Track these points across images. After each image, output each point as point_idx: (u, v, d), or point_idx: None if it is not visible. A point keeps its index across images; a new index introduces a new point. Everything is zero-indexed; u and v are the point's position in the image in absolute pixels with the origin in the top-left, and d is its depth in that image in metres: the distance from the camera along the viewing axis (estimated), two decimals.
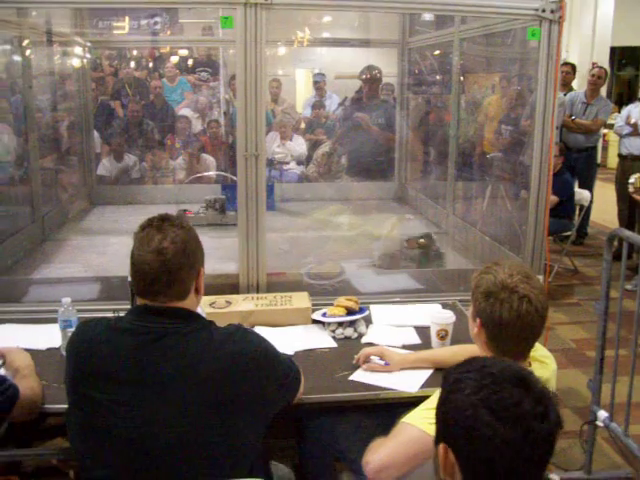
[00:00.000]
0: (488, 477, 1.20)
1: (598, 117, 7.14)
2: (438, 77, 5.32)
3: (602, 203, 7.71)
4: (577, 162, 7.16)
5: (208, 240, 2.34)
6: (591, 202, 6.88)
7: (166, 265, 1.78)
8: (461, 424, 1.20)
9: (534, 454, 1.18)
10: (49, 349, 2.60)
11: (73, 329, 2.36)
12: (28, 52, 4.26)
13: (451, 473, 1.24)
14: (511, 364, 1.29)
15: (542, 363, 2.07)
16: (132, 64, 7.13)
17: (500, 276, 1.91)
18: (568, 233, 6.27)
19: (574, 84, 8.13)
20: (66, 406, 1.84)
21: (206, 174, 5.83)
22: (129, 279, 2.43)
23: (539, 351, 2.09)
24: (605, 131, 7.77)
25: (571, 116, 7.13)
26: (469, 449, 1.20)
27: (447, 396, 1.26)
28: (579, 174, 7.25)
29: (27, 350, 2.43)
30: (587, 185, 7.09)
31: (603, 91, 7.57)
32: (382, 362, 2.48)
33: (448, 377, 1.31)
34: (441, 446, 1.25)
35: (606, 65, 11.13)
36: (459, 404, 1.21)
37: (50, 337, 2.64)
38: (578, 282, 6.38)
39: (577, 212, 6.55)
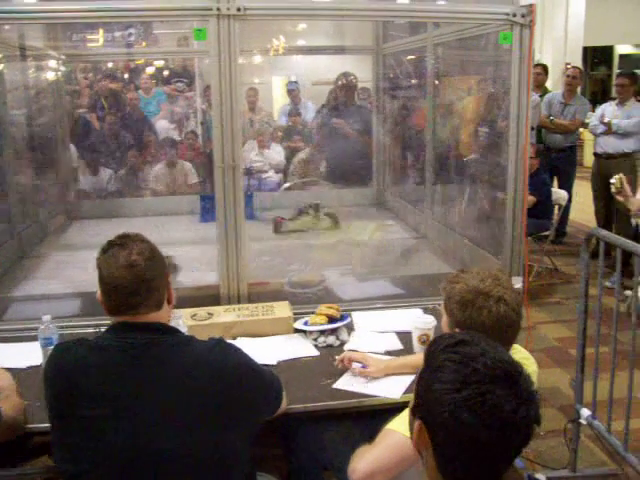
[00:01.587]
0: (461, 463, 1.20)
1: (576, 117, 7.21)
2: (413, 81, 5.34)
3: (580, 202, 7.78)
4: (557, 162, 7.24)
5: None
6: (570, 201, 6.94)
7: (140, 276, 1.81)
8: (440, 418, 1.18)
9: (510, 449, 1.19)
10: (30, 367, 2.58)
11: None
12: (1, 67, 4.23)
13: (425, 447, 1.25)
14: (498, 356, 1.23)
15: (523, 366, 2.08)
16: (107, 76, 7.10)
17: (472, 283, 1.92)
18: (547, 233, 6.31)
19: (548, 85, 8.21)
20: (49, 425, 1.83)
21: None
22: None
23: (519, 353, 2.10)
24: (581, 130, 7.84)
25: (549, 116, 7.20)
26: (445, 439, 1.19)
27: (429, 382, 1.23)
28: (559, 174, 7.33)
29: (8, 369, 2.41)
30: (567, 184, 7.16)
31: (577, 91, 7.65)
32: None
33: (431, 357, 1.27)
34: (417, 423, 1.24)
35: (579, 65, 11.26)
36: (440, 398, 1.18)
37: (31, 355, 2.61)
38: (559, 281, 6.43)
39: (555, 211, 6.60)
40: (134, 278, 1.80)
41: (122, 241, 1.87)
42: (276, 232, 4.73)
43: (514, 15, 3.04)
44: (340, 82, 5.78)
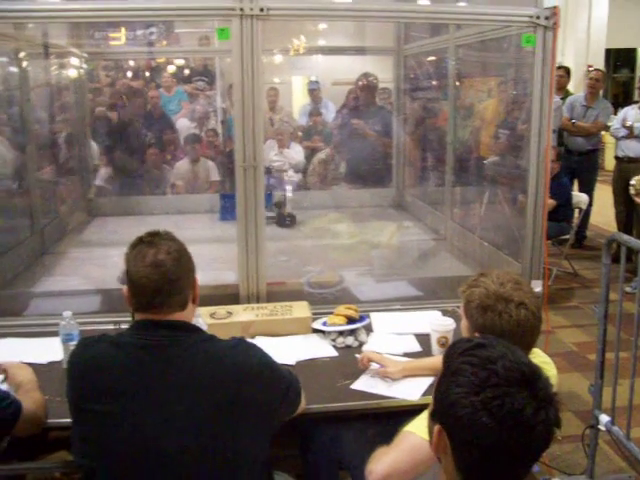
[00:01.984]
0: (480, 466, 1.19)
1: (598, 120, 7.15)
2: (434, 83, 5.33)
3: (600, 205, 7.72)
4: (578, 165, 7.18)
5: None
6: (590, 205, 6.89)
7: (165, 276, 1.82)
8: (460, 422, 1.18)
9: (530, 453, 1.19)
10: (51, 363, 2.60)
11: (75, 342, 2.38)
12: (25, 64, 4.28)
13: (444, 452, 1.24)
14: (517, 359, 1.22)
15: (542, 369, 2.07)
16: (129, 74, 7.15)
17: (492, 287, 1.91)
18: (567, 236, 6.27)
19: (570, 87, 8.16)
20: (69, 420, 1.85)
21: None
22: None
23: (538, 357, 2.09)
24: (603, 133, 7.78)
25: (571, 119, 7.15)
26: (465, 443, 1.19)
27: (447, 386, 1.23)
28: (580, 177, 7.27)
29: (29, 364, 2.44)
30: (587, 188, 7.10)
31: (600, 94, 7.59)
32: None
33: (450, 360, 1.27)
34: (436, 427, 1.24)
35: (601, 67, 11.16)
36: (459, 402, 1.18)
37: (51, 351, 2.64)
38: (578, 285, 6.38)
39: (576, 215, 6.56)
40: (159, 278, 1.81)
41: (151, 239, 1.88)
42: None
43: (538, 17, 3.02)
44: (361, 82, 5.78)
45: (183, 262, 1.89)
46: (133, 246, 1.88)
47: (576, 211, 6.51)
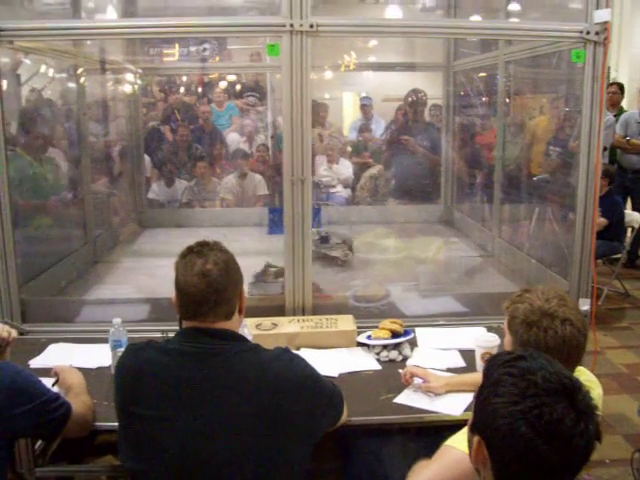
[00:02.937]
0: (519, 479, 1.19)
1: None
2: (484, 99, 5.31)
3: None
4: (632, 183, 7.05)
5: None
6: None
7: (212, 286, 1.85)
8: (498, 432, 1.18)
9: (569, 465, 1.18)
10: (99, 368, 2.67)
11: (123, 349, 2.44)
12: (82, 80, 4.41)
13: (483, 464, 1.24)
14: (557, 371, 1.23)
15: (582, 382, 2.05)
16: (181, 90, 7.30)
17: (537, 303, 1.90)
18: (618, 255, 6.15)
19: (624, 104, 8.02)
20: (116, 424, 1.89)
21: None
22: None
23: (584, 375, 2.06)
24: None
25: (626, 136, 7.03)
26: (504, 454, 1.19)
27: (487, 396, 1.23)
28: (633, 195, 7.13)
29: (79, 369, 2.50)
30: None
31: None
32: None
33: (490, 372, 1.28)
34: (476, 439, 1.25)
35: None
36: (498, 412, 1.19)
37: (101, 356, 2.71)
38: (629, 306, 6.25)
39: (628, 234, 6.43)
40: (206, 287, 1.84)
41: (200, 249, 1.92)
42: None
43: (588, 33, 2.99)
44: (410, 99, 5.79)
45: (230, 273, 1.91)
46: (183, 255, 1.93)
47: (629, 230, 6.38)
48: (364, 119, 7.36)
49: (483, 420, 1.23)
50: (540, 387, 1.19)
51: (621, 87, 7.63)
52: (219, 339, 1.86)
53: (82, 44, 4.34)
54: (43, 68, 4.45)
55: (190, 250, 1.93)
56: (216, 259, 1.89)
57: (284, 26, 2.87)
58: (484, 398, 1.25)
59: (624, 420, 3.95)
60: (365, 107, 7.35)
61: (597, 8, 2.99)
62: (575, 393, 1.19)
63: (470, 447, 1.29)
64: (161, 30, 3.09)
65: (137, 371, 1.86)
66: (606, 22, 2.97)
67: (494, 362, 1.30)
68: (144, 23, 2.98)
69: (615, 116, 7.11)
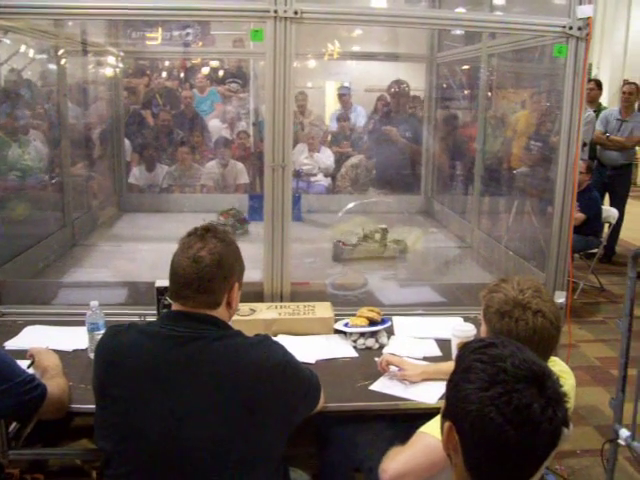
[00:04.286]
0: (488, 464, 1.21)
1: (633, 133, 7.09)
2: (466, 92, 5.33)
3: (631, 220, 7.63)
4: (611, 179, 7.13)
5: None
6: (621, 220, 6.82)
7: (198, 273, 1.84)
8: (468, 417, 1.19)
9: (537, 450, 1.19)
10: (75, 350, 2.67)
11: (100, 332, 2.44)
12: (63, 61, 4.37)
13: (454, 450, 1.26)
14: (526, 358, 1.24)
15: (560, 378, 2.07)
16: (164, 74, 7.24)
17: (511, 294, 1.92)
18: (595, 250, 6.21)
19: (603, 101, 8.09)
20: (92, 406, 1.88)
21: None
22: (156, 285, 2.49)
23: (557, 366, 2.09)
24: (637, 148, 7.68)
25: (605, 133, 7.09)
26: (474, 439, 1.20)
27: (458, 382, 1.25)
28: (612, 191, 7.21)
29: (55, 351, 2.49)
30: (619, 202, 7.03)
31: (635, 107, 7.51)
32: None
33: (461, 358, 1.29)
34: (447, 424, 1.26)
35: (639, 81, 11.04)
36: (468, 397, 1.20)
37: (77, 339, 2.71)
38: (604, 300, 6.32)
39: (605, 229, 6.49)
40: (193, 272, 1.84)
41: (203, 233, 1.91)
42: (335, 260, 4.20)
43: (570, 28, 3.01)
44: (392, 89, 5.80)
45: (223, 265, 1.89)
46: (188, 234, 1.92)
47: (605, 226, 6.45)
48: (342, 109, 7.35)
49: (454, 406, 1.25)
50: (509, 373, 1.20)
51: (598, 84, 7.70)
52: (201, 324, 1.85)
53: (63, 25, 4.30)
54: (23, 48, 4.39)
55: (195, 231, 1.92)
56: (213, 248, 1.87)
57: (268, 12, 2.85)
58: (455, 384, 1.26)
59: (596, 412, 4.00)
60: (343, 97, 7.33)
61: (580, 4, 3.01)
62: (544, 380, 1.21)
63: (442, 433, 1.30)
64: (144, 12, 3.07)
65: (117, 353, 1.85)
66: (588, 18, 2.99)
67: (466, 349, 1.31)
68: (127, 4, 2.95)
69: (594, 112, 7.17)
